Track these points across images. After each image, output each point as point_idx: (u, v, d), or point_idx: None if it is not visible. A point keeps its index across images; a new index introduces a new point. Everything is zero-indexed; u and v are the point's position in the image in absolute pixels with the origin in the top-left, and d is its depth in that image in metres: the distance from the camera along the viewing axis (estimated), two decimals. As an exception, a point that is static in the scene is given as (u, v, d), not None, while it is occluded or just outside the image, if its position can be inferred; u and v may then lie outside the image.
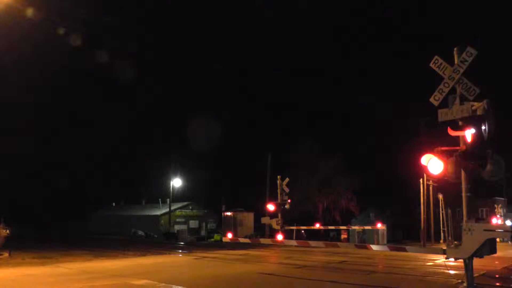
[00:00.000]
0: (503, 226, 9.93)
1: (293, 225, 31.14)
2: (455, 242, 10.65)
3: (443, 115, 10.25)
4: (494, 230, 9.34)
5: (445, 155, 9.99)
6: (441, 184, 35.49)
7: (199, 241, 42.69)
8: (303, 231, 39.75)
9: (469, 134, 9.69)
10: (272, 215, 26.59)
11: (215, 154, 77.65)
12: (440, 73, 10.44)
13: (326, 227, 38.77)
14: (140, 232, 51.25)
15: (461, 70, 10.10)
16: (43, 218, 69.32)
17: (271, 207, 26.06)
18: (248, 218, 44.09)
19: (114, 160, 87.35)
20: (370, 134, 67.31)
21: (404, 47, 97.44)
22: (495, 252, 9.63)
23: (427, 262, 19.68)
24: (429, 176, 31.98)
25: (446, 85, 10.31)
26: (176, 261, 21.12)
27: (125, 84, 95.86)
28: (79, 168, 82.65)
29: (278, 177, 26.77)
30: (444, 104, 10.32)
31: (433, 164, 10.02)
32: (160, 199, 59.57)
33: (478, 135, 9.57)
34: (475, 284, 9.72)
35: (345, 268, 17.26)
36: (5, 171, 68.96)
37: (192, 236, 48.85)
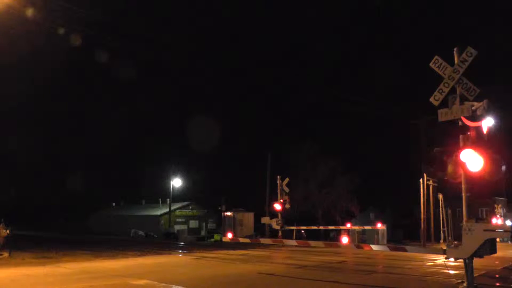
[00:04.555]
0: (503, 226, 9.93)
1: (293, 225, 31.10)
2: (455, 242, 10.66)
3: (443, 115, 10.25)
4: (494, 230, 9.33)
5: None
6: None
7: (199, 241, 42.66)
8: (303, 231, 39.75)
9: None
10: (277, 214, 26.55)
11: (215, 154, 77.70)
12: (440, 73, 10.44)
13: (326, 227, 38.78)
14: (140, 232, 51.24)
15: (461, 70, 10.10)
16: (43, 218, 69.39)
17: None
18: (248, 218, 44.03)
19: (114, 160, 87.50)
20: (370, 134, 67.47)
21: (404, 47, 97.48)
22: (495, 252, 9.63)
23: (427, 262, 19.66)
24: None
25: (446, 85, 10.31)
26: (176, 261, 21.11)
27: (125, 84, 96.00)
28: (79, 168, 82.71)
29: (278, 177, 26.72)
30: (444, 104, 10.32)
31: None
32: (160, 199, 59.60)
33: (478, 135, 9.58)
34: (475, 284, 9.71)
35: (345, 268, 17.26)
36: (5, 171, 69.07)
37: (192, 236, 48.83)
